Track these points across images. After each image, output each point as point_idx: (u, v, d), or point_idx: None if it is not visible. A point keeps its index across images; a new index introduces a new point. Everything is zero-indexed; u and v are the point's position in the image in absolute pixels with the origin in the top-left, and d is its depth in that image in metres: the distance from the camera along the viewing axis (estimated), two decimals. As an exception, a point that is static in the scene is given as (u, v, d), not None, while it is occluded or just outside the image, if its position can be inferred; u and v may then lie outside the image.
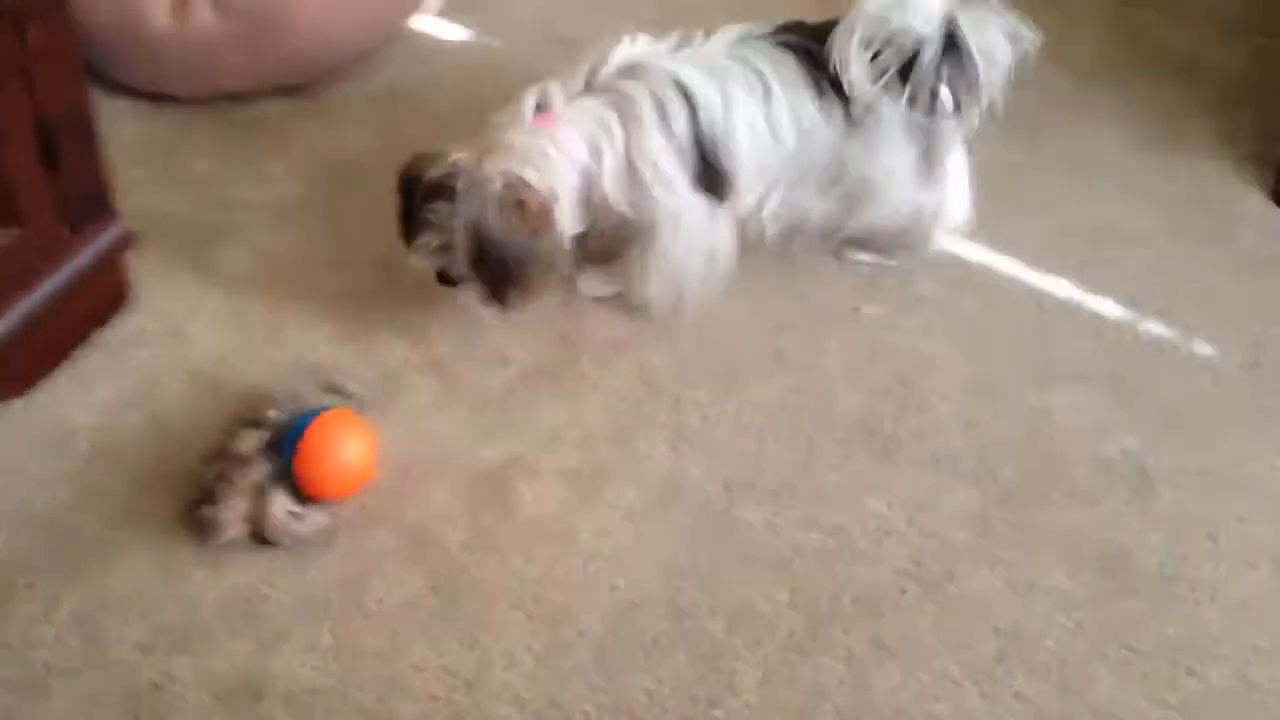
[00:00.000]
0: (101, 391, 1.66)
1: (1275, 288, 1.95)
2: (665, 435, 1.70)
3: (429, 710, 1.44)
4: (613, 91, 1.67)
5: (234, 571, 1.53)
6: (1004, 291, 1.91)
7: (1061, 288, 1.92)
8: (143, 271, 1.77)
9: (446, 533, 1.58)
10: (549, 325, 1.80)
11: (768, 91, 1.70)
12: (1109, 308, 1.88)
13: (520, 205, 1.60)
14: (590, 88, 1.68)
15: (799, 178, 1.76)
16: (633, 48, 1.70)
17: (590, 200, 1.68)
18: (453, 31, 2.18)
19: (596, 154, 1.66)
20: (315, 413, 1.56)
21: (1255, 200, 2.07)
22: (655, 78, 1.67)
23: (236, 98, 2.03)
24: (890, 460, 1.69)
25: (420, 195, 1.62)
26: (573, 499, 1.63)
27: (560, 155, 1.64)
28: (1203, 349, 1.85)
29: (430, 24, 2.18)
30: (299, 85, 2.05)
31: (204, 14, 1.95)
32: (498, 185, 1.59)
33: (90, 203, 1.63)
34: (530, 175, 1.60)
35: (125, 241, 1.69)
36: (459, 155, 1.61)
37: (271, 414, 1.57)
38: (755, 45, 1.73)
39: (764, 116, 1.70)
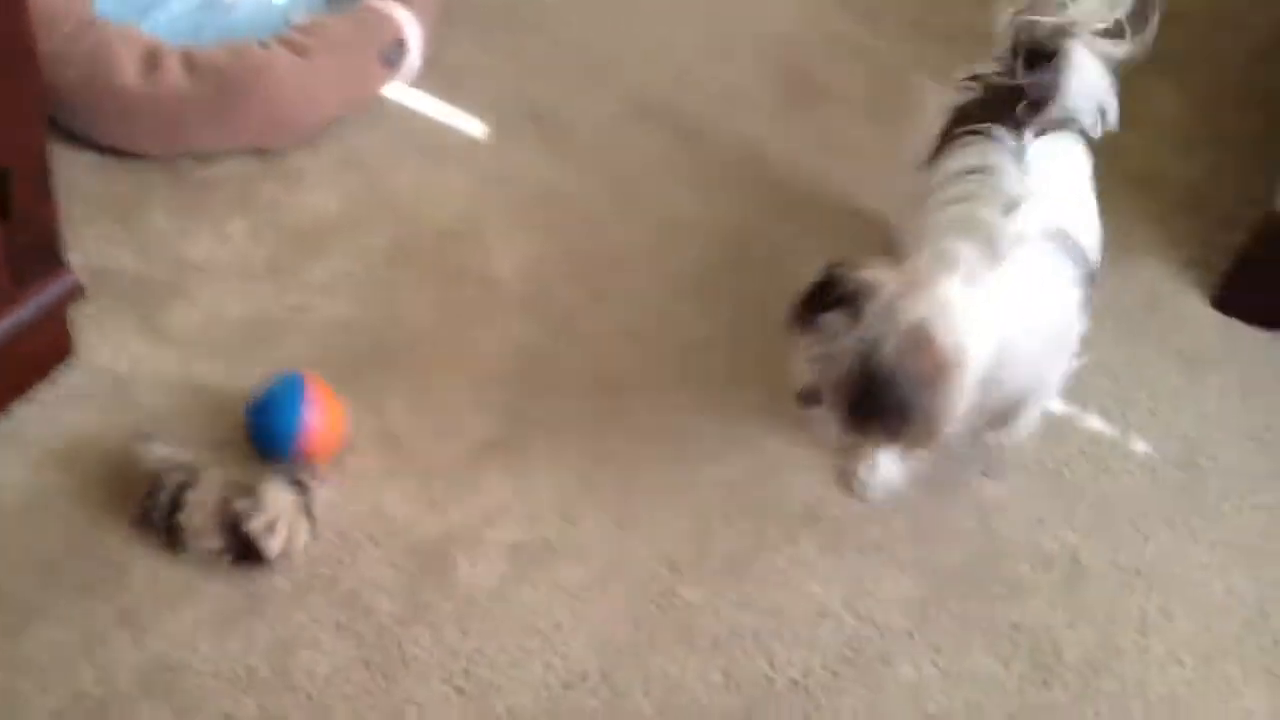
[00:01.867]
0: (34, 448, 1.64)
1: (1212, 390, 1.97)
2: (613, 514, 1.69)
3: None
4: (1035, 262, 1.55)
5: (157, 636, 1.50)
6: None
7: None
8: (88, 327, 1.75)
9: (381, 603, 1.56)
10: (503, 398, 1.79)
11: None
12: (1052, 402, 1.89)
13: (926, 348, 1.44)
14: (1007, 253, 1.52)
15: None
16: (1034, 213, 1.56)
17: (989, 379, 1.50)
18: (425, 103, 2.19)
19: (1019, 331, 1.52)
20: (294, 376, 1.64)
21: (1196, 303, 2.10)
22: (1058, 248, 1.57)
23: (202, 157, 2.03)
24: (833, 546, 1.69)
25: (828, 298, 1.49)
26: (513, 574, 1.61)
27: (986, 320, 1.48)
28: (1140, 446, 1.87)
29: (403, 93, 2.19)
30: (266, 148, 2.05)
31: (175, 75, 1.95)
32: (909, 320, 1.44)
33: (39, 254, 1.61)
34: (945, 326, 1.45)
35: (72, 294, 1.67)
36: (883, 274, 1.48)
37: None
38: None
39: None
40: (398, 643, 1.53)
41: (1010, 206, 1.55)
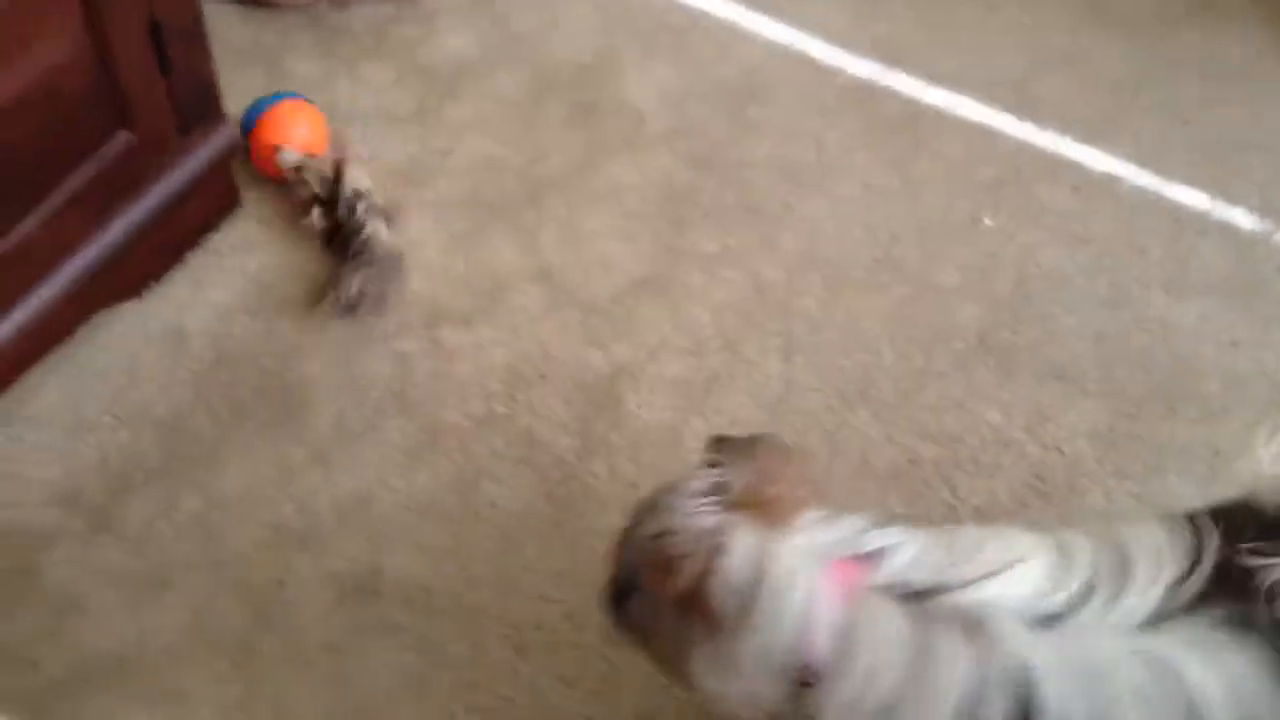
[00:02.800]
0: (215, 295, 1.67)
1: None
2: (776, 344, 1.67)
3: (540, 610, 1.44)
4: (929, 628, 1.00)
5: (345, 472, 1.53)
6: (1130, 201, 1.84)
7: (1189, 196, 1.84)
8: (248, 177, 1.77)
9: (558, 438, 1.57)
10: (656, 234, 1.77)
11: None
12: (1240, 218, 1.80)
13: (670, 570, 1.05)
14: (919, 597, 1.01)
15: None
16: (1002, 583, 1.01)
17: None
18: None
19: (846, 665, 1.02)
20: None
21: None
22: (994, 652, 0.99)
23: (335, 3, 2.01)
24: (1009, 373, 1.65)
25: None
26: (682, 406, 1.61)
27: (808, 617, 1.02)
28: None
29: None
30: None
31: (306, -78, 1.93)
32: (657, 534, 1.07)
33: (201, 107, 1.62)
34: (726, 565, 1.03)
35: (234, 146, 1.69)
36: (684, 493, 1.08)
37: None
38: (1190, 628, 1.00)
39: None
40: (576, 476, 1.54)
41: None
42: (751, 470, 1.07)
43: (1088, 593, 1.00)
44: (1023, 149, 1.89)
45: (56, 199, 1.49)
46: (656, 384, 1.63)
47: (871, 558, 1.02)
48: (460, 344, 1.65)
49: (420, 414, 1.58)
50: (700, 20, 2.03)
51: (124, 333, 1.63)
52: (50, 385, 1.57)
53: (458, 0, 2.03)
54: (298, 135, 1.77)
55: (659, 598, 1.06)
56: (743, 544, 1.02)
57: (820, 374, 1.65)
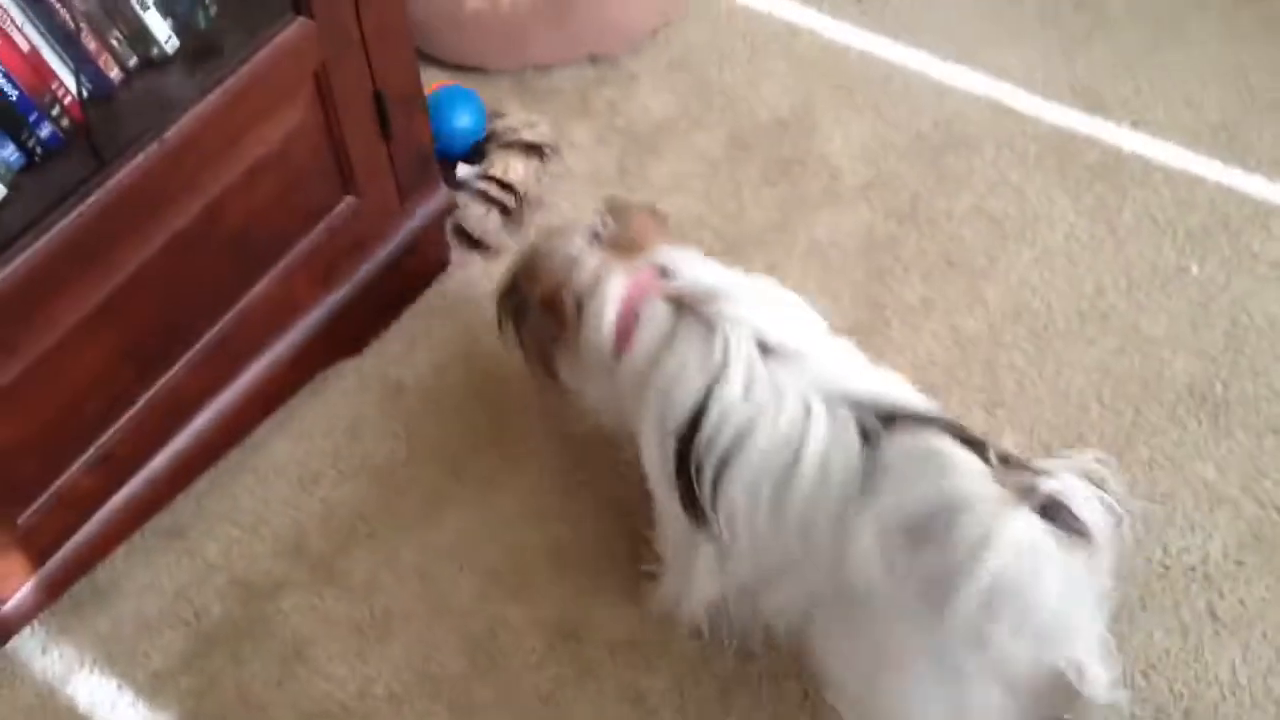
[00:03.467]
0: (426, 350, 1.74)
1: None
2: (979, 398, 1.66)
3: (737, 670, 1.45)
4: (683, 321, 1.32)
5: (554, 520, 1.57)
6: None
7: None
8: (455, 240, 1.84)
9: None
10: (856, 288, 1.78)
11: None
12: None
13: (538, 279, 1.42)
14: (686, 303, 1.32)
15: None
16: (745, 309, 1.30)
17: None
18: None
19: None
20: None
21: None
22: (713, 347, 1.28)
23: (540, 68, 2.08)
24: (1223, 427, 1.61)
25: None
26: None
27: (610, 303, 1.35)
28: None
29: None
30: (599, 55, 2.09)
31: (512, -7, 2.03)
32: (538, 256, 1.44)
33: (418, 171, 1.70)
34: (575, 277, 1.38)
35: (448, 207, 1.76)
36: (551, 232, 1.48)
37: None
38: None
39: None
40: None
41: None
42: (624, 222, 1.42)
43: (807, 351, 1.29)
44: (1230, 195, 1.84)
45: (287, 261, 1.58)
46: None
47: (665, 274, 1.35)
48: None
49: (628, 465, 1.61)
50: (895, 73, 2.04)
51: (345, 389, 1.71)
52: (277, 440, 1.66)
53: (656, 61, 2.08)
54: None
55: (531, 301, 1.43)
56: (590, 264, 1.38)
57: (1026, 429, 1.63)
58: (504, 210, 1.85)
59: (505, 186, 1.85)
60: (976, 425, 1.62)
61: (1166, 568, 1.49)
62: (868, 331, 1.73)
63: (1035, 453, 1.60)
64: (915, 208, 1.86)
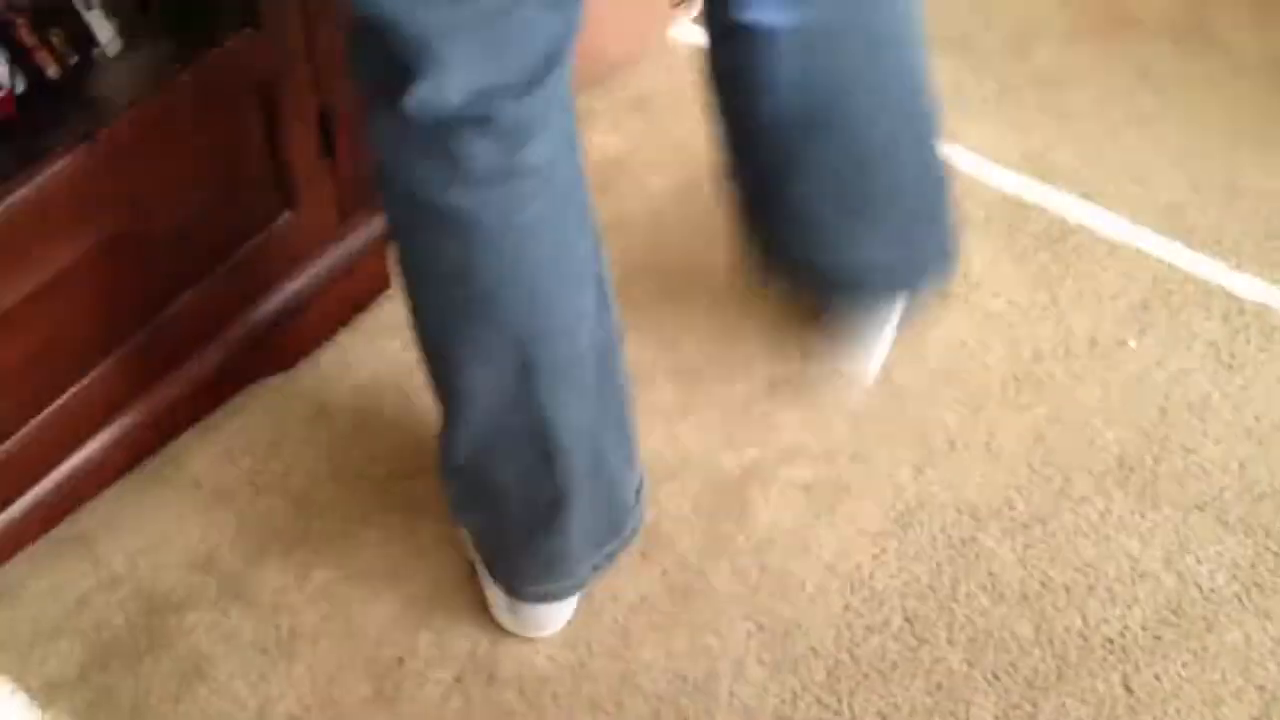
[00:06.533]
0: (359, 374, 1.72)
1: None
2: (909, 456, 1.66)
3: (657, 709, 1.43)
4: None
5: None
6: (1284, 332, 1.79)
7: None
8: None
9: (681, 535, 1.58)
10: (795, 336, 1.78)
11: None
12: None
13: None
14: None
15: None
16: None
17: None
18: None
19: None
20: None
21: None
22: None
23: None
24: (1149, 500, 1.61)
25: None
26: (809, 512, 1.60)
27: None
28: None
29: (691, 33, 2.18)
30: (559, 90, 2.09)
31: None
32: None
33: (360, 191, 1.68)
34: None
35: (388, 231, 1.74)
36: None
37: None
38: None
39: None
40: (700, 573, 1.54)
41: None
42: None
43: None
44: (1173, 272, 1.86)
45: (220, 272, 1.56)
46: (786, 488, 1.62)
47: None
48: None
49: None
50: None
51: (270, 405, 1.68)
52: (196, 451, 1.63)
53: (615, 99, 2.08)
54: None
55: None
56: None
57: (953, 489, 1.62)
58: None
59: None
60: (904, 482, 1.62)
61: (1085, 638, 1.49)
62: (803, 381, 1.73)
63: (961, 515, 1.60)
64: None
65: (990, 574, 1.55)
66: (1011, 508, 1.61)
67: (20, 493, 1.46)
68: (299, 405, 1.69)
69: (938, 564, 1.55)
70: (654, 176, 1.99)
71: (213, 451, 1.63)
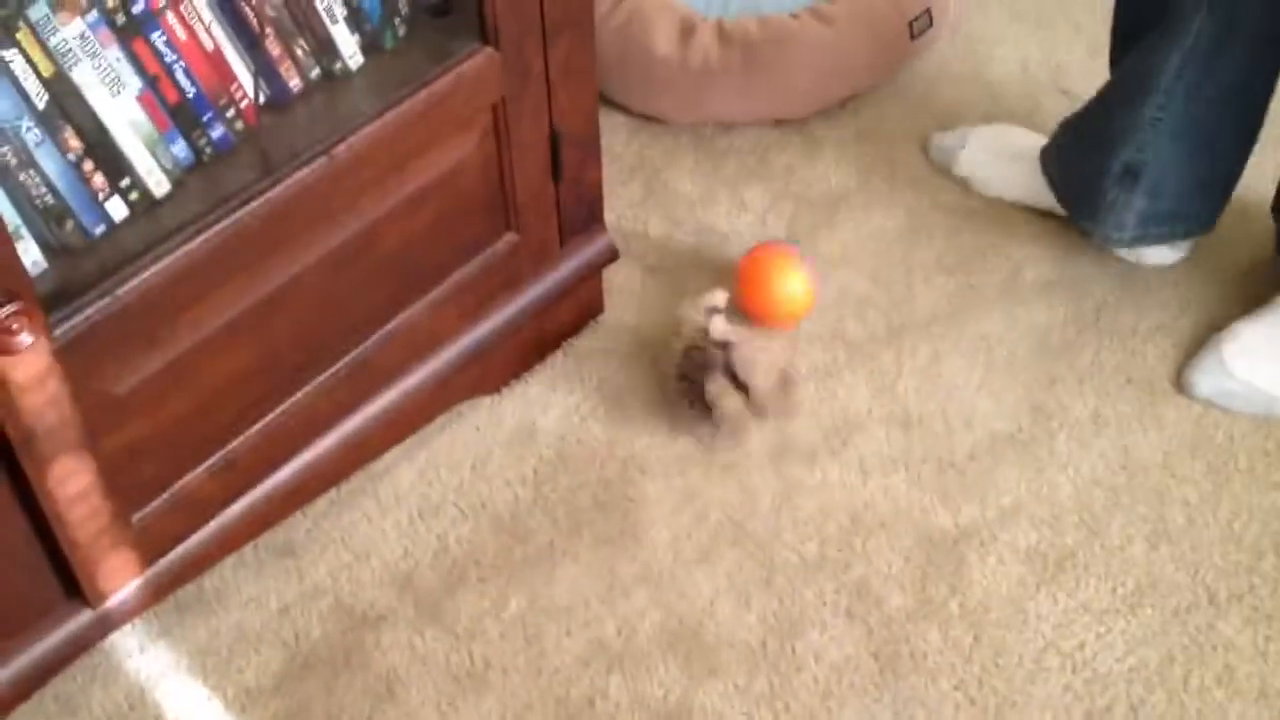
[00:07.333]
0: (568, 398, 1.69)
1: None
2: (1144, 529, 1.54)
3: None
4: None
5: (676, 596, 1.51)
6: None
7: None
8: (613, 285, 1.79)
9: (891, 594, 1.50)
10: (1023, 392, 1.68)
11: None
12: None
13: None
14: None
15: None
16: None
17: None
18: (948, 75, 2.10)
19: None
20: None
21: None
22: None
23: (724, 125, 2.03)
24: None
25: None
26: (1030, 580, 1.50)
27: None
28: None
29: (925, 65, 2.11)
30: (784, 119, 2.03)
31: (706, 45, 1.98)
32: None
33: (583, 216, 1.66)
34: None
35: (608, 255, 1.72)
36: None
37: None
38: None
39: None
40: (907, 638, 1.46)
41: None
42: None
43: None
44: None
45: (439, 291, 1.55)
46: (1005, 552, 1.53)
47: None
48: (804, 480, 1.60)
49: (755, 548, 1.54)
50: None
51: (478, 425, 1.67)
52: (402, 468, 1.63)
53: (843, 132, 2.02)
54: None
55: None
56: None
57: (1190, 570, 1.51)
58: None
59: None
60: (1136, 557, 1.51)
61: (1333, 747, 1.35)
62: (1028, 441, 1.63)
63: (1198, 598, 1.48)
64: (1099, 317, 1.75)
65: (1227, 666, 1.43)
66: (1255, 594, 1.48)
67: (233, 499, 1.47)
68: (506, 427, 1.67)
69: (1169, 650, 1.44)
70: (883, 210, 1.91)
71: (418, 469, 1.63)
